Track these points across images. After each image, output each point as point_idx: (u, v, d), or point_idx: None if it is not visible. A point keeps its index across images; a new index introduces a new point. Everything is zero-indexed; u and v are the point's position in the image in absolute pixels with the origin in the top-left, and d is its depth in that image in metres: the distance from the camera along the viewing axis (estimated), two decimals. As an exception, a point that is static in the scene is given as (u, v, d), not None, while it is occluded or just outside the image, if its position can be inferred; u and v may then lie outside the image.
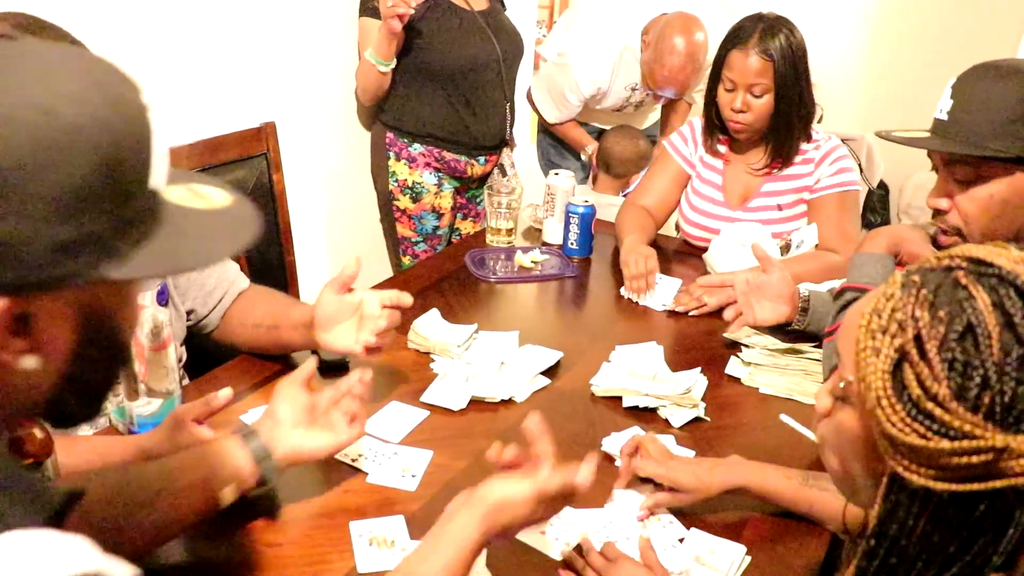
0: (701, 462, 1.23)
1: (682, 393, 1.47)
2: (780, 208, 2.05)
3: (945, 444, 0.62)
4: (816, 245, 1.97)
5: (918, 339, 0.64)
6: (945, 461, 0.62)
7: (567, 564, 1.10)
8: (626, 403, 1.46)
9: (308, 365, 1.20)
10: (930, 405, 0.62)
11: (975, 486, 0.62)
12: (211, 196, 0.70)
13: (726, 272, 1.79)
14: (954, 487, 0.62)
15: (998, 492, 0.62)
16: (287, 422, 1.12)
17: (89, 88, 0.59)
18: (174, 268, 0.67)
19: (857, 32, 3.86)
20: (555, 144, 3.01)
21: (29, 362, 0.61)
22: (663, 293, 1.91)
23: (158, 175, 0.64)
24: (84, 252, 0.59)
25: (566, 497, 0.97)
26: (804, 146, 2.03)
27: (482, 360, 1.54)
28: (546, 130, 3.00)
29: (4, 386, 0.62)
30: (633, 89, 2.77)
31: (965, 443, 0.61)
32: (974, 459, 0.61)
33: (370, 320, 1.38)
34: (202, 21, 2.03)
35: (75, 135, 0.57)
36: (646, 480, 1.23)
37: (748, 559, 1.13)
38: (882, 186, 3.63)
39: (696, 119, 2.19)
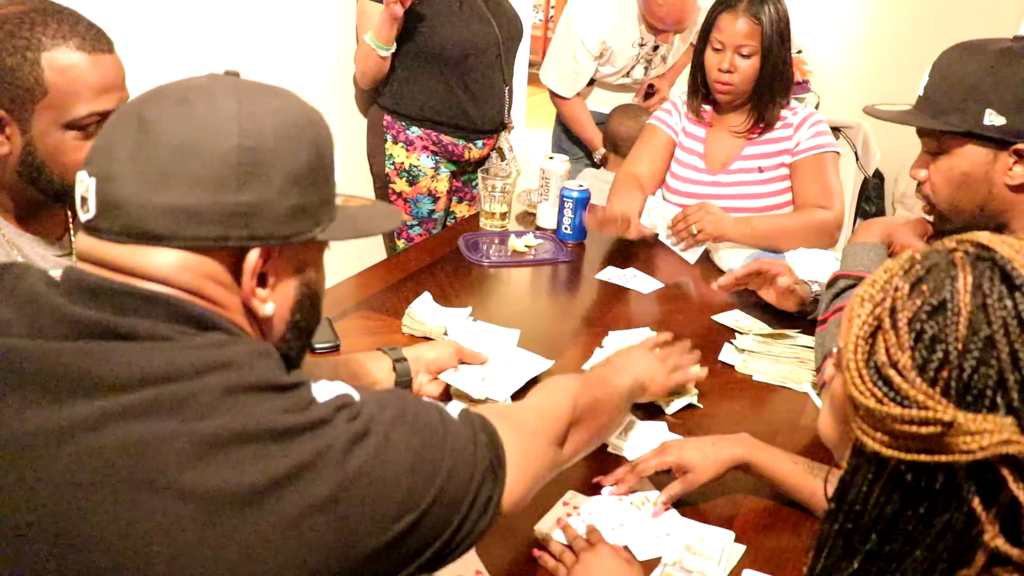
0: (702, 439, 1.22)
1: None
2: (761, 170, 2.10)
3: (897, 410, 0.62)
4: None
5: (893, 309, 0.65)
6: (895, 427, 0.63)
7: (541, 545, 1.10)
8: None
9: (480, 358, 1.43)
10: (891, 372, 0.63)
11: (922, 457, 0.62)
12: (357, 200, 0.91)
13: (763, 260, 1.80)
14: (902, 455, 0.63)
15: (950, 471, 0.62)
16: (428, 363, 1.36)
17: (300, 102, 0.82)
18: (354, 235, 0.85)
19: (854, 19, 3.84)
20: (568, 132, 3.00)
21: (269, 308, 0.80)
22: (656, 215, 2.01)
23: (338, 169, 0.85)
24: (305, 217, 0.79)
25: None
26: (784, 112, 2.09)
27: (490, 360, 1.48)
28: (560, 121, 2.99)
29: (256, 329, 0.82)
30: (640, 45, 2.78)
31: (915, 412, 0.62)
32: (922, 430, 0.61)
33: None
34: (191, 4, 2.01)
35: (299, 130, 0.78)
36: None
37: (742, 548, 1.12)
38: (877, 175, 3.63)
39: (679, 95, 2.24)
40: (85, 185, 0.74)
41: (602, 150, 2.84)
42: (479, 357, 1.43)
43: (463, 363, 1.42)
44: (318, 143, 0.81)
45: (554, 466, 1.00)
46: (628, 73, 2.89)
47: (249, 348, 0.76)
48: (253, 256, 0.76)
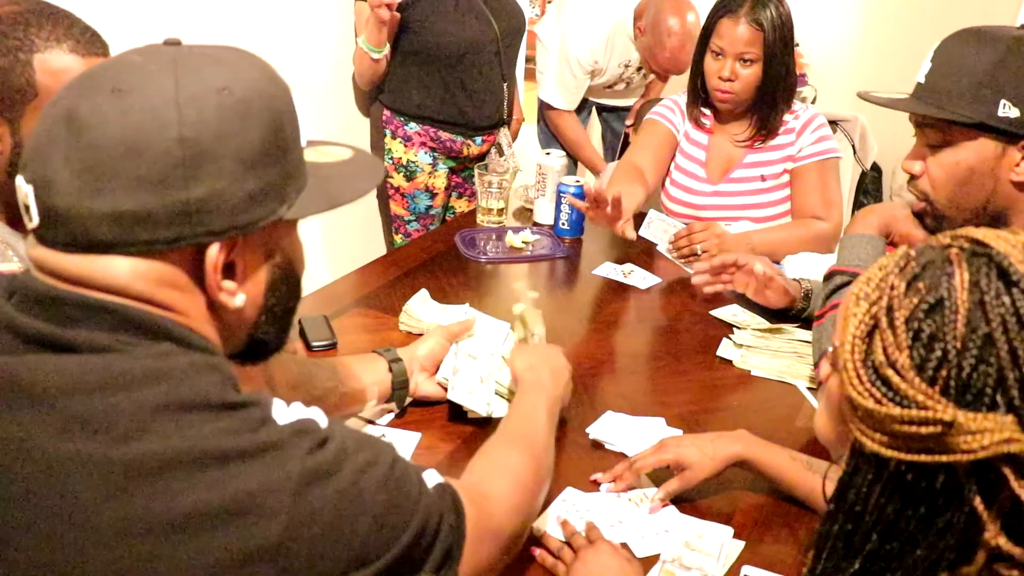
0: (700, 436, 1.21)
1: None
2: (763, 179, 2.05)
3: (896, 411, 0.62)
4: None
5: (889, 308, 0.64)
6: (895, 428, 0.62)
7: (540, 542, 1.10)
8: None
9: (467, 322, 1.42)
10: (889, 372, 0.63)
11: (923, 457, 0.62)
12: (335, 153, 0.85)
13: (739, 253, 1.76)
14: (902, 455, 0.63)
15: (950, 471, 0.61)
16: (422, 360, 1.33)
17: (249, 69, 0.75)
18: (328, 206, 0.78)
19: (851, 13, 3.83)
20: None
21: (239, 300, 0.75)
22: (657, 228, 1.97)
23: (304, 137, 0.79)
24: (266, 199, 0.73)
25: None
26: (786, 116, 2.03)
27: (472, 353, 1.42)
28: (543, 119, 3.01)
29: (223, 323, 0.77)
30: (626, 66, 2.81)
31: (914, 412, 0.61)
32: (922, 430, 0.61)
33: None
34: (189, 2, 2.00)
35: (247, 105, 0.71)
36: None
37: (740, 544, 1.12)
38: (875, 168, 3.62)
39: (679, 96, 2.18)
40: (24, 192, 0.70)
41: (606, 170, 2.83)
42: (467, 324, 1.42)
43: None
44: (272, 114, 0.74)
45: (514, 548, 0.95)
46: (611, 86, 2.95)
47: (191, 361, 0.70)
48: (213, 252, 0.71)
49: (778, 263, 1.89)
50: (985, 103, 1.17)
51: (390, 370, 1.29)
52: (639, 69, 2.88)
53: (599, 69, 2.78)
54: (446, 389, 1.32)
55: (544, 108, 2.96)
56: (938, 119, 1.22)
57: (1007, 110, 1.16)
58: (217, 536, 0.63)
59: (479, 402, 1.31)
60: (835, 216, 2.00)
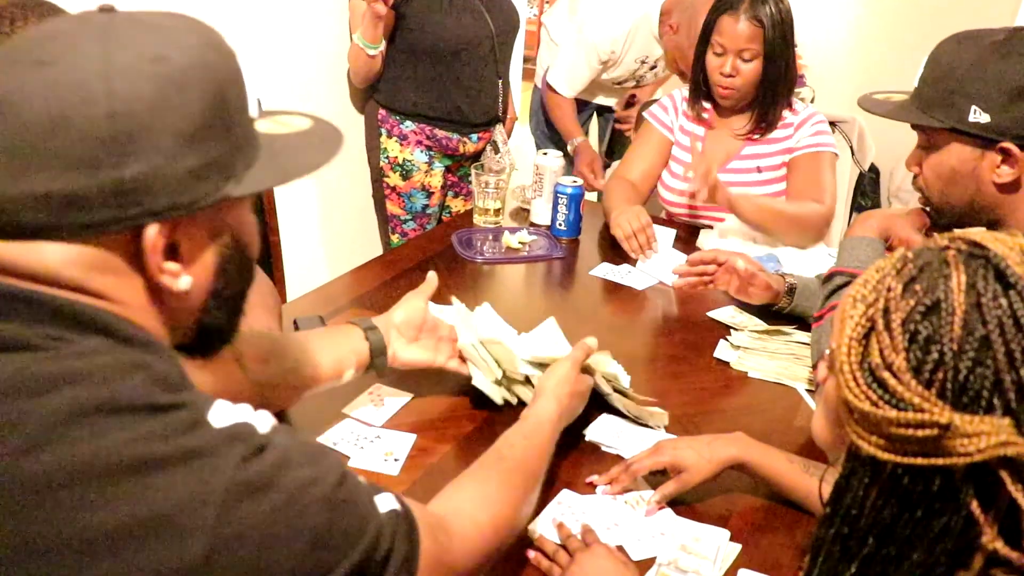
0: (697, 438, 1.20)
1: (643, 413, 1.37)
2: (759, 170, 2.08)
3: (892, 413, 0.62)
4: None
5: (886, 310, 0.64)
6: (891, 431, 0.62)
7: (535, 545, 1.09)
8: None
9: (432, 282, 1.37)
10: (885, 374, 0.62)
11: (919, 460, 0.61)
12: (293, 123, 0.80)
13: (719, 250, 1.75)
14: (898, 459, 0.62)
15: (947, 474, 0.61)
16: (399, 327, 1.29)
17: (188, 35, 0.69)
18: (279, 180, 0.73)
19: (849, 14, 3.83)
20: (546, 130, 3.01)
21: (185, 282, 0.70)
22: (663, 259, 1.92)
23: (252, 107, 0.75)
24: (210, 176, 0.68)
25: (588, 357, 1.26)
26: (785, 112, 2.07)
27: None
28: (540, 115, 2.99)
29: (167, 309, 0.72)
30: (642, 62, 2.80)
31: (911, 415, 0.61)
32: (918, 432, 0.61)
33: (444, 342, 1.35)
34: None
35: (186, 75, 0.66)
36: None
37: (737, 547, 1.11)
38: (873, 169, 3.61)
39: (677, 91, 2.20)
40: None
41: (576, 140, 2.85)
42: (431, 281, 1.37)
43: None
44: (215, 83, 0.68)
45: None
46: (621, 83, 2.92)
47: (116, 359, 0.64)
48: (152, 233, 0.66)
49: (773, 257, 1.89)
50: (956, 109, 1.20)
51: (366, 338, 1.25)
52: (653, 68, 2.86)
53: (615, 60, 2.75)
54: (464, 360, 1.34)
55: (545, 89, 2.93)
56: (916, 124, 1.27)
57: (977, 115, 1.19)
58: (132, 556, 0.58)
59: (497, 391, 1.32)
60: (828, 200, 2.00)
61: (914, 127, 1.30)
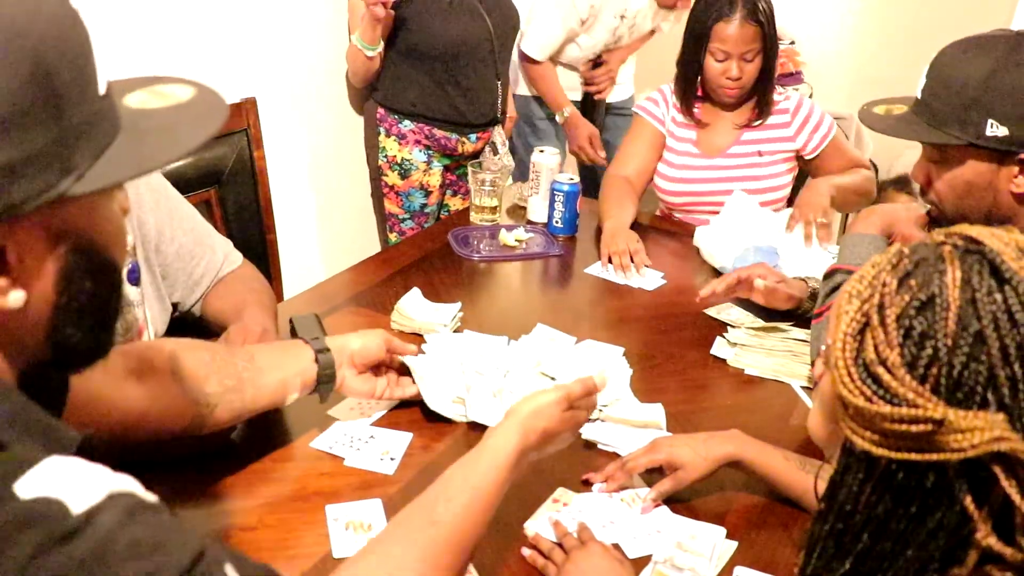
0: (693, 436, 1.20)
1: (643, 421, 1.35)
2: (760, 155, 2.11)
3: (886, 409, 0.61)
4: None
5: (881, 306, 0.64)
6: (885, 426, 0.62)
7: (531, 543, 1.09)
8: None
9: (405, 350, 1.31)
10: (880, 370, 0.62)
11: (913, 456, 0.61)
12: (173, 93, 0.66)
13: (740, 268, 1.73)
14: (892, 454, 0.62)
15: (941, 470, 0.61)
16: (353, 355, 1.23)
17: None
18: (136, 171, 0.61)
19: (846, 10, 3.83)
20: (533, 128, 2.99)
21: (16, 297, 0.59)
22: (649, 279, 1.89)
23: (104, 81, 0.61)
24: (38, 171, 0.55)
25: (589, 396, 1.06)
26: (776, 97, 2.11)
27: (479, 370, 1.40)
28: (523, 113, 2.98)
29: (5, 330, 0.60)
30: (621, 17, 2.80)
31: (904, 410, 0.61)
32: (912, 428, 0.61)
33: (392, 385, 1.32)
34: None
35: None
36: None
37: (733, 544, 1.11)
38: (871, 165, 3.62)
39: (666, 85, 2.20)
40: None
41: (566, 110, 2.84)
42: (407, 349, 1.32)
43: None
44: (35, 56, 0.55)
45: None
46: (598, 53, 2.92)
47: None
48: None
49: (769, 250, 1.88)
50: (973, 124, 1.18)
51: (316, 360, 1.19)
52: (632, 25, 2.87)
53: (594, 14, 2.75)
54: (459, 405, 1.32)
55: (523, 63, 2.88)
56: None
57: (995, 129, 1.17)
58: None
59: (495, 418, 1.27)
60: (866, 161, 2.14)
61: (924, 141, 1.27)
